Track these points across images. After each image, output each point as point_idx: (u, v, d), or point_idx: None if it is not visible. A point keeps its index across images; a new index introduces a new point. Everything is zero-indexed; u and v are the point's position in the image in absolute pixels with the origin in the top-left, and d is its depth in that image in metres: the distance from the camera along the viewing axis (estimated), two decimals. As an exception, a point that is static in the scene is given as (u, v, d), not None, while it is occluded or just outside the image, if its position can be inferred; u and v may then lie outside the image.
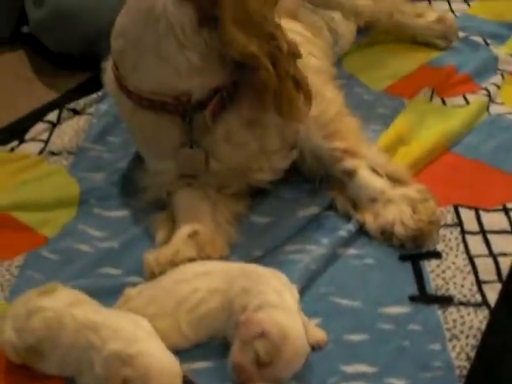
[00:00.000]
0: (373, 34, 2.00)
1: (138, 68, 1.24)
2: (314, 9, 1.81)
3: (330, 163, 1.36)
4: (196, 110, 1.25)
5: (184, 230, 1.26)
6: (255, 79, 1.18)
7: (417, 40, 1.99)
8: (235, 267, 1.12)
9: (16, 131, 1.70)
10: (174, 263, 1.18)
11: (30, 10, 2.02)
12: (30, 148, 1.63)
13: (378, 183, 1.32)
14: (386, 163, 1.36)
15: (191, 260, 1.19)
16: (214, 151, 1.29)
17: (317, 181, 1.40)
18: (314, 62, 1.59)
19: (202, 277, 1.10)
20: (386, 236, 1.28)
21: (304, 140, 1.36)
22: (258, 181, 1.36)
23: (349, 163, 1.34)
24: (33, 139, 1.66)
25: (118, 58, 1.28)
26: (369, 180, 1.33)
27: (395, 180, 1.33)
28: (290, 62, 1.21)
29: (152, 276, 1.17)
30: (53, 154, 1.60)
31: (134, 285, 1.19)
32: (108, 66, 1.35)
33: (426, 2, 2.25)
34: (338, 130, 1.37)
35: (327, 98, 1.40)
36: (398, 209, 1.27)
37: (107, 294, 1.18)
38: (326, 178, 1.38)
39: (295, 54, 1.23)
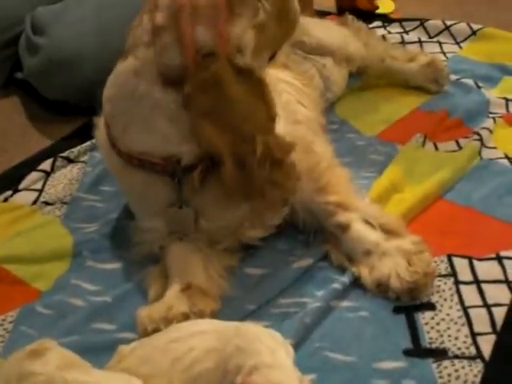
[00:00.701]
0: (365, 79, 2.01)
1: (128, 131, 1.25)
2: (305, 55, 1.83)
3: (322, 217, 1.36)
4: (185, 171, 1.26)
5: (176, 285, 1.26)
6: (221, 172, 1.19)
7: (409, 84, 2.00)
8: (230, 326, 1.11)
9: (10, 180, 1.71)
10: (167, 320, 1.17)
11: (25, 57, 2.03)
12: (24, 198, 1.63)
13: (372, 236, 1.32)
14: (379, 215, 1.36)
15: (184, 315, 1.19)
16: (204, 212, 1.29)
17: (311, 233, 1.39)
18: (303, 111, 1.60)
19: (197, 336, 1.09)
20: (381, 289, 1.27)
21: (296, 194, 1.35)
22: (250, 238, 1.36)
23: (342, 217, 1.34)
24: (26, 189, 1.66)
25: (108, 119, 1.29)
26: (363, 233, 1.32)
27: (389, 231, 1.33)
28: (265, 165, 1.19)
29: (145, 333, 1.17)
30: (46, 204, 1.60)
31: (128, 341, 1.17)
32: (100, 123, 1.35)
33: (417, 45, 2.27)
34: (330, 182, 1.37)
35: (317, 153, 1.40)
36: (393, 261, 1.27)
37: (101, 350, 1.18)
38: (320, 231, 1.38)
39: (275, 161, 1.21)
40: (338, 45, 1.89)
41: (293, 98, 1.60)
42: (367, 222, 1.33)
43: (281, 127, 1.32)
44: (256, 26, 1.21)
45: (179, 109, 1.19)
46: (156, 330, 1.16)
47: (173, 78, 1.18)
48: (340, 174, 1.41)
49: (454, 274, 1.31)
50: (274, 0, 1.24)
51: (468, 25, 2.34)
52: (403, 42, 2.29)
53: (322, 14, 2.49)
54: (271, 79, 1.47)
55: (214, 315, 1.24)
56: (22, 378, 1.02)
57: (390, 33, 2.38)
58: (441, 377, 1.12)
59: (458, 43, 2.29)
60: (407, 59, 2.01)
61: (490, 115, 1.83)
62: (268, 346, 1.05)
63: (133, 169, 1.28)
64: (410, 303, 1.26)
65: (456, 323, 1.21)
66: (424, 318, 1.23)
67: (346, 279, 1.30)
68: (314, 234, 1.39)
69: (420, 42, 2.30)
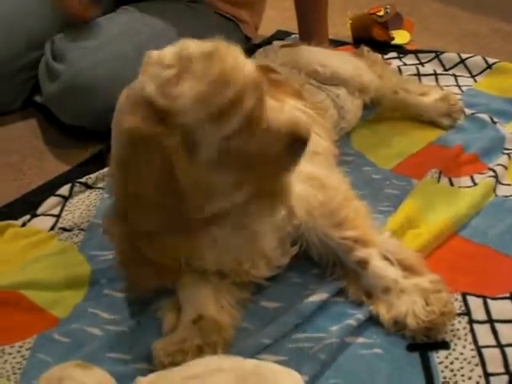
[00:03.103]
0: (379, 111, 2.02)
1: None
2: (319, 85, 1.85)
3: (341, 253, 1.36)
4: None
5: (188, 316, 1.28)
6: None
7: (421, 118, 2.01)
8: (248, 364, 1.12)
9: (28, 204, 1.72)
10: (182, 351, 1.19)
11: (44, 82, 2.06)
12: (42, 223, 1.65)
13: (391, 273, 1.32)
14: (397, 250, 1.36)
15: (199, 347, 1.20)
16: (200, 256, 1.29)
17: (328, 267, 1.40)
18: (320, 142, 1.61)
19: (214, 374, 1.10)
20: (398, 327, 1.28)
21: (310, 230, 1.36)
22: (255, 277, 1.36)
23: (361, 253, 1.34)
24: (44, 214, 1.68)
25: None
26: (382, 270, 1.32)
27: (408, 268, 1.33)
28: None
29: (161, 366, 1.19)
30: (64, 230, 1.62)
31: (143, 371, 1.20)
32: None
33: (433, 77, 2.29)
34: (347, 217, 1.37)
35: (332, 187, 1.40)
36: (410, 300, 1.27)
37: (117, 380, 1.19)
38: (338, 266, 1.39)
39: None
40: (351, 75, 1.90)
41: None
42: (386, 258, 1.34)
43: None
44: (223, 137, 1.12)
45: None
46: (172, 363, 1.18)
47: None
48: (357, 207, 1.41)
49: (468, 312, 1.32)
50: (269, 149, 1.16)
51: (483, 58, 2.36)
52: (418, 74, 2.31)
53: (338, 44, 2.52)
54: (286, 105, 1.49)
55: (228, 346, 1.25)
56: (62, 379, 1.05)
57: (405, 64, 2.41)
58: (454, 417, 1.13)
59: (473, 76, 2.31)
60: (420, 93, 2.02)
61: (505, 151, 1.84)
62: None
63: None
64: (424, 341, 1.26)
65: (469, 363, 1.22)
66: (438, 356, 1.23)
67: (360, 315, 1.31)
68: (330, 268, 1.40)
69: (435, 74, 2.32)
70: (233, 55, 1.12)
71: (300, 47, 1.97)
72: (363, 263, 1.34)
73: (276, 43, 2.20)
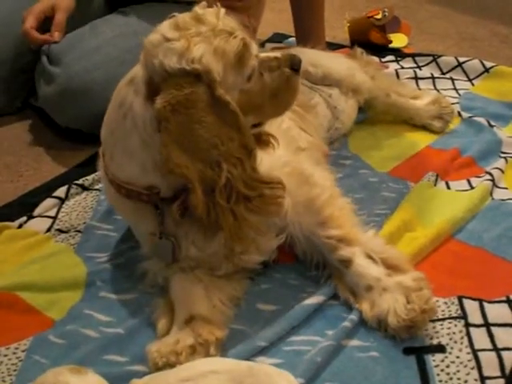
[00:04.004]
0: (372, 114, 2.04)
1: (114, 158, 1.29)
2: (311, 85, 1.85)
3: (325, 252, 1.37)
4: (166, 203, 1.28)
5: (180, 317, 1.28)
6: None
7: (413, 122, 2.02)
8: (243, 366, 1.12)
9: (24, 206, 1.72)
10: (176, 352, 1.19)
11: (40, 85, 2.06)
12: (38, 225, 1.65)
13: (373, 271, 1.32)
14: (381, 249, 1.36)
15: (192, 347, 1.21)
16: (190, 240, 1.31)
17: (312, 264, 1.41)
18: (305, 137, 1.62)
19: (209, 375, 1.10)
20: (381, 325, 1.28)
21: (295, 225, 1.37)
22: (246, 262, 1.37)
23: (345, 252, 1.35)
24: (41, 215, 1.68)
25: (102, 146, 1.33)
26: (365, 268, 1.33)
27: (391, 266, 1.33)
28: (230, 196, 1.20)
29: (156, 367, 1.18)
30: (60, 231, 1.62)
31: (139, 373, 1.20)
32: (101, 153, 1.38)
33: (430, 81, 2.29)
34: (331, 215, 1.38)
35: (317, 183, 1.41)
36: (392, 298, 1.28)
37: (112, 382, 1.18)
38: (322, 264, 1.40)
39: (245, 196, 1.21)
40: (344, 74, 1.92)
41: (294, 123, 1.62)
42: (369, 257, 1.34)
43: (282, 154, 1.36)
44: (243, 90, 1.25)
45: (154, 132, 1.21)
46: (166, 364, 1.18)
47: (155, 87, 1.20)
48: (342, 205, 1.42)
49: (464, 316, 1.32)
50: (277, 77, 1.29)
51: (481, 62, 2.37)
52: (416, 78, 2.32)
53: (336, 47, 2.53)
54: None
55: (222, 344, 1.26)
56: None
57: (402, 68, 2.41)
58: (450, 421, 1.13)
59: (470, 80, 2.32)
60: (412, 96, 2.04)
61: (502, 155, 1.84)
62: (281, 387, 1.06)
63: (123, 198, 1.31)
64: (419, 344, 1.26)
65: (466, 366, 1.22)
66: (434, 360, 1.23)
67: (355, 317, 1.31)
68: (322, 269, 1.40)
69: (433, 77, 2.33)
70: (215, 12, 1.24)
71: (291, 49, 1.97)
72: (347, 262, 1.34)
73: (268, 46, 2.21)
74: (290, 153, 1.35)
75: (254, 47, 1.27)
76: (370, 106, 2.01)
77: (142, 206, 1.31)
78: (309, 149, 1.60)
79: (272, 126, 1.40)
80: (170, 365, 1.18)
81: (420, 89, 2.23)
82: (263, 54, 1.30)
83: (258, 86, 1.27)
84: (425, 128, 2.01)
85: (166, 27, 1.22)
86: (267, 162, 1.31)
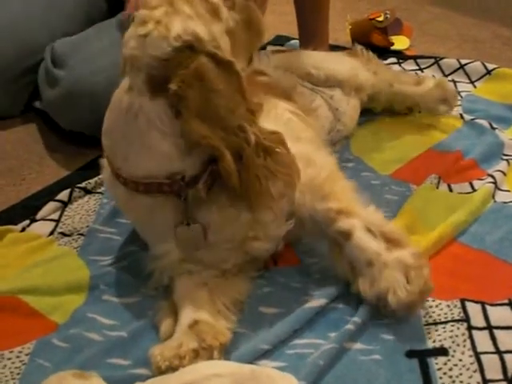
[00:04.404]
0: (376, 106, 2.05)
1: (130, 158, 1.28)
2: (312, 87, 1.85)
3: (324, 225, 1.37)
4: (190, 185, 1.28)
5: (184, 321, 1.28)
6: (219, 169, 1.23)
7: (419, 107, 2.04)
8: (245, 369, 1.13)
9: (27, 209, 1.72)
10: (179, 356, 1.19)
11: (44, 88, 2.06)
12: (41, 228, 1.65)
13: (373, 245, 1.33)
14: (381, 223, 1.37)
15: (195, 351, 1.21)
16: (210, 224, 1.32)
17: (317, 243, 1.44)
18: (306, 129, 1.63)
19: (212, 379, 1.10)
20: (381, 303, 1.30)
21: (301, 206, 1.38)
22: (256, 249, 1.37)
23: (344, 224, 1.35)
24: (44, 219, 1.68)
25: (109, 152, 1.33)
26: (365, 242, 1.33)
27: (390, 240, 1.34)
28: (259, 154, 1.23)
29: (159, 371, 1.19)
30: (63, 235, 1.62)
31: (142, 377, 1.20)
32: (105, 163, 1.38)
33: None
34: (332, 191, 1.39)
35: (318, 163, 1.43)
36: (391, 277, 1.29)
37: (115, 386, 1.20)
38: (325, 241, 1.40)
39: (267, 149, 1.25)
40: (347, 75, 1.93)
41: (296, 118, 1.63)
42: (369, 230, 1.34)
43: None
44: (228, 32, 1.29)
45: (171, 120, 1.22)
46: (169, 367, 1.18)
47: (158, 80, 1.21)
48: (343, 183, 1.44)
49: (466, 319, 1.32)
50: (240, 10, 1.34)
51: (483, 64, 2.36)
52: (418, 80, 2.31)
53: (338, 50, 2.52)
54: (271, 101, 1.56)
55: (225, 349, 1.25)
56: None
57: (404, 70, 2.41)
58: (452, 424, 1.13)
59: (472, 82, 2.32)
60: (415, 83, 2.05)
61: (504, 157, 1.84)
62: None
63: (139, 197, 1.31)
64: (422, 348, 1.27)
65: (468, 369, 1.22)
66: (437, 363, 1.23)
67: (358, 319, 1.30)
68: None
69: (435, 80, 2.32)
70: None
71: (293, 51, 1.98)
72: (346, 234, 1.35)
73: (269, 48, 2.21)
74: (289, 141, 1.35)
75: None
76: (373, 100, 2.02)
77: (161, 199, 1.30)
78: (309, 139, 1.61)
79: (272, 117, 1.44)
80: (172, 368, 1.18)
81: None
82: None
83: (235, 24, 1.33)
84: (432, 128, 2.02)
85: (133, 31, 1.25)
86: None
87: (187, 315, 1.29)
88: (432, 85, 2.05)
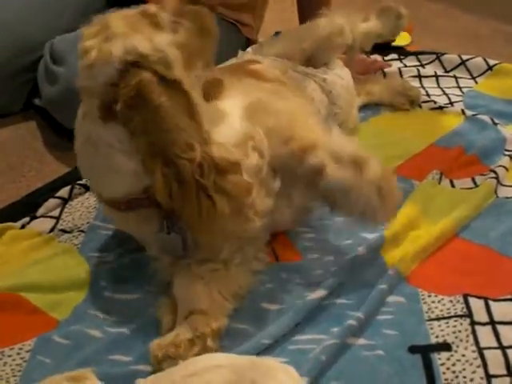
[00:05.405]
0: (381, 113, 2.06)
1: (104, 184, 1.30)
2: (305, 72, 1.84)
3: (295, 167, 1.36)
4: None
5: (181, 314, 1.29)
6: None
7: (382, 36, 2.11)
8: (246, 360, 1.13)
9: (27, 206, 1.72)
10: (174, 345, 1.21)
11: (43, 85, 2.05)
12: (42, 225, 1.64)
13: (345, 174, 1.33)
14: (345, 148, 1.36)
15: (190, 341, 1.22)
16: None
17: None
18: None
19: (212, 370, 1.10)
20: (363, 223, 1.40)
21: (273, 159, 1.36)
22: (249, 232, 1.35)
23: (311, 160, 1.34)
24: (44, 215, 1.67)
25: (87, 181, 1.35)
26: (337, 173, 1.33)
27: (357, 162, 1.34)
28: (207, 173, 1.20)
29: (156, 360, 1.20)
30: (64, 231, 1.61)
31: (144, 373, 1.20)
32: None
33: (433, 79, 2.30)
34: (293, 133, 1.37)
35: (275, 110, 1.41)
36: (366, 199, 1.33)
37: (116, 382, 1.19)
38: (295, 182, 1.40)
39: (218, 167, 1.21)
40: (329, 29, 1.94)
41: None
42: (337, 159, 1.34)
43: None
44: (179, 43, 1.27)
45: (129, 141, 1.22)
46: (166, 355, 1.19)
47: (109, 105, 1.21)
48: (303, 122, 1.42)
49: (469, 314, 1.31)
50: (193, 19, 1.32)
51: (484, 60, 2.35)
52: (419, 76, 2.32)
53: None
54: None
55: (220, 336, 1.27)
56: None
57: (406, 66, 2.41)
58: (456, 419, 1.12)
59: (473, 78, 2.31)
60: (363, 20, 2.09)
61: (506, 153, 1.83)
62: (282, 380, 1.06)
63: (124, 213, 1.32)
64: (425, 343, 1.26)
65: (471, 364, 1.21)
66: (440, 358, 1.23)
67: (361, 315, 1.30)
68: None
69: (436, 75, 2.32)
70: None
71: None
72: (318, 170, 1.34)
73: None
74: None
75: (153, 6, 1.31)
76: (352, 49, 2.03)
77: (145, 212, 1.31)
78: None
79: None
80: (169, 356, 1.19)
81: (424, 88, 2.23)
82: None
83: (187, 33, 1.30)
84: (433, 124, 2.01)
85: (80, 63, 1.27)
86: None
87: (183, 308, 1.30)
88: (376, 14, 2.08)
